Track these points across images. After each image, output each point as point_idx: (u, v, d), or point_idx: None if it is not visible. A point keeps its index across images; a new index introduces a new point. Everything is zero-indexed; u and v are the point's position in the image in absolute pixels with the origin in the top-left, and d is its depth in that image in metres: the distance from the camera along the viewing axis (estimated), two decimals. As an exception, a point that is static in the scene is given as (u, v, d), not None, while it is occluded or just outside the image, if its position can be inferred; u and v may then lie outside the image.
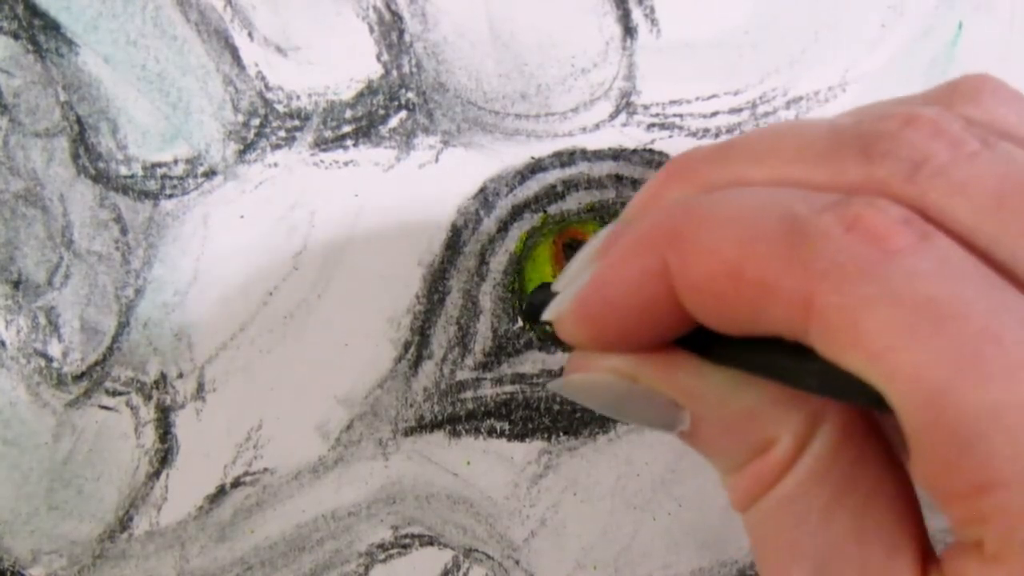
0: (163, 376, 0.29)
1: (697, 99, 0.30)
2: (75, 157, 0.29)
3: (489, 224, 0.30)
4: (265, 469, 0.30)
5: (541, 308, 0.22)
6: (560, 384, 0.22)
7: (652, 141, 0.30)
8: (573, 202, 0.30)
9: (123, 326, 0.29)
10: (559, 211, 0.30)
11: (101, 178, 0.29)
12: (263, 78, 0.29)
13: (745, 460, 0.20)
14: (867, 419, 0.19)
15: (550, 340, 0.29)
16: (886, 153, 0.18)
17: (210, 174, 0.29)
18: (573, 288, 0.20)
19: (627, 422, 0.23)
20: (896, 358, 0.16)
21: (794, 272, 0.17)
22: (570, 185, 0.30)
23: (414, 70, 0.30)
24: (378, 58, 0.30)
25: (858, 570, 0.18)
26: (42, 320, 0.29)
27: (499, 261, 0.30)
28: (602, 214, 0.30)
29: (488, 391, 0.30)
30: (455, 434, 0.30)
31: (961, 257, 0.16)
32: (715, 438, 0.20)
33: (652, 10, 0.30)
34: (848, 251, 0.16)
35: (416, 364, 0.30)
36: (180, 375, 0.29)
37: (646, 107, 0.30)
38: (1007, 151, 0.18)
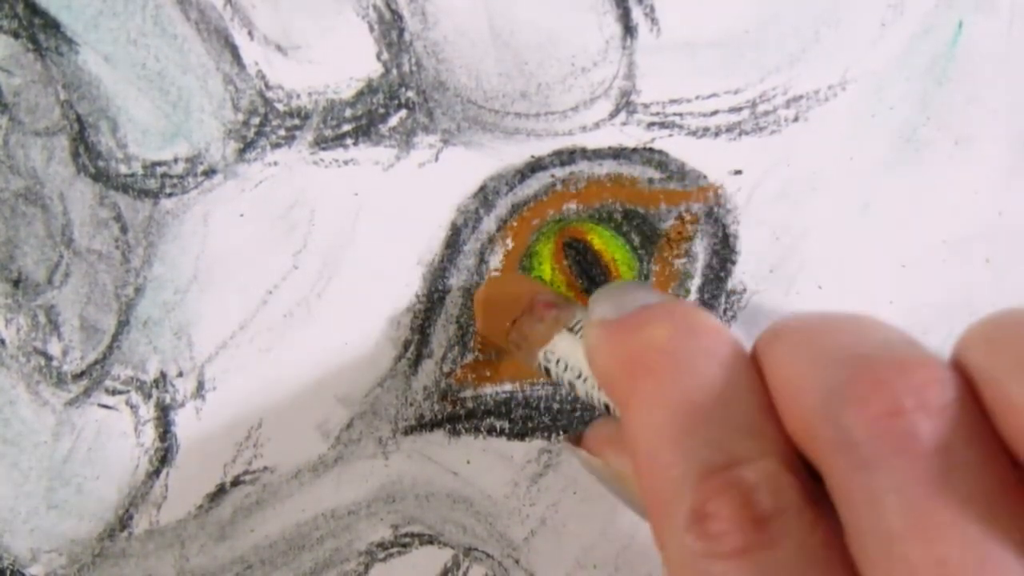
0: (163, 375, 0.29)
1: (697, 98, 0.30)
2: (75, 156, 0.29)
3: (489, 223, 0.30)
4: (265, 468, 0.30)
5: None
6: (573, 450, 0.23)
7: (652, 140, 0.30)
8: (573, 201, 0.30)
9: (123, 325, 0.29)
10: (559, 210, 0.30)
11: (101, 177, 0.29)
12: (263, 77, 0.29)
13: None
14: None
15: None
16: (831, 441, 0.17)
17: (210, 173, 0.29)
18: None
19: (622, 503, 0.23)
20: None
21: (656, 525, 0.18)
22: (570, 184, 0.30)
23: (414, 69, 0.30)
24: (378, 57, 0.30)
25: None
26: (42, 319, 0.29)
27: (499, 260, 0.30)
28: (602, 213, 0.30)
29: (488, 390, 0.30)
30: (455, 433, 0.30)
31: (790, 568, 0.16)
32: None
33: (652, 9, 0.30)
34: (685, 537, 0.17)
35: (416, 363, 0.30)
36: (180, 374, 0.29)
37: (646, 106, 0.30)
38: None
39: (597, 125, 0.30)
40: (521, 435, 0.31)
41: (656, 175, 0.30)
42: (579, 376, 0.24)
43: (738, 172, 0.31)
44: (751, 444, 0.17)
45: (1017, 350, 0.16)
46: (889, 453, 0.15)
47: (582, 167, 0.30)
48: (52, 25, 0.28)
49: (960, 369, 0.17)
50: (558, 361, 0.25)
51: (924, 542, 0.15)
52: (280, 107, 0.29)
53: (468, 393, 0.30)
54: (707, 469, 0.17)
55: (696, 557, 0.17)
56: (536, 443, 0.31)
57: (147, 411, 0.29)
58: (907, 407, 0.15)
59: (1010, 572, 0.14)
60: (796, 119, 0.31)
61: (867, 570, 0.16)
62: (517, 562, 0.30)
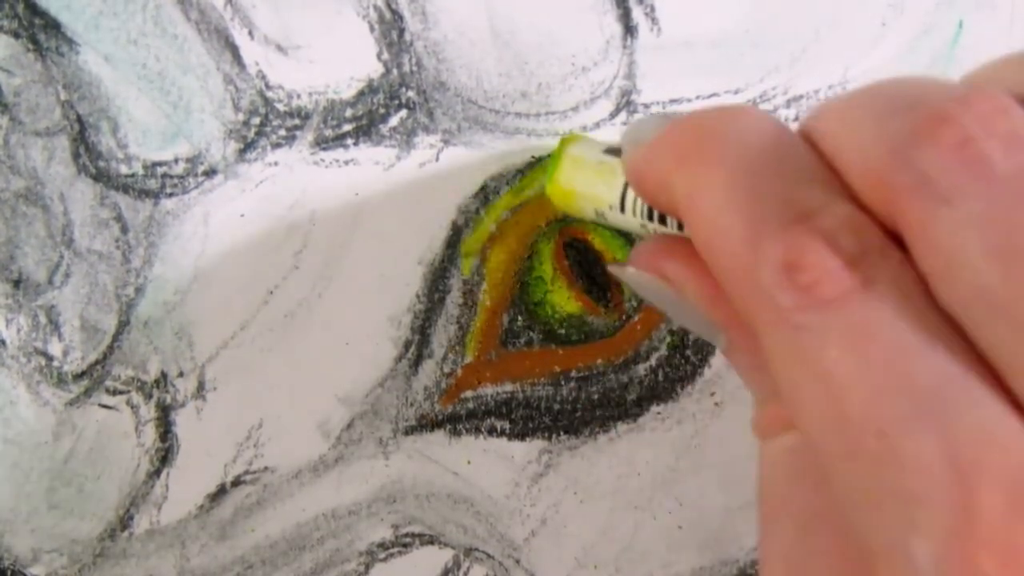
0: (163, 375, 0.29)
1: (697, 98, 0.30)
2: (75, 156, 0.29)
3: (490, 223, 0.30)
4: (266, 468, 0.30)
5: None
6: (620, 269, 0.22)
7: (652, 140, 0.30)
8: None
9: (123, 325, 0.29)
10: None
11: (101, 177, 0.29)
12: (263, 77, 0.29)
13: (770, 395, 0.20)
14: None
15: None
16: (897, 168, 0.16)
17: (210, 173, 0.29)
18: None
19: (679, 323, 0.23)
20: (798, 415, 0.16)
21: (736, 297, 0.17)
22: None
23: (414, 69, 0.30)
24: (378, 57, 0.30)
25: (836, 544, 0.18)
26: (42, 319, 0.29)
27: (499, 260, 0.30)
28: (602, 213, 0.30)
29: (488, 390, 0.30)
30: (455, 433, 0.30)
31: (895, 319, 0.15)
32: (745, 367, 0.20)
33: (652, 8, 0.30)
34: (775, 294, 0.16)
35: (417, 363, 0.30)
36: (181, 374, 0.29)
37: (646, 106, 0.30)
38: None
39: (598, 125, 0.30)
40: (522, 435, 0.31)
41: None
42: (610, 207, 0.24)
43: None
44: (820, 193, 0.17)
45: None
46: (968, 182, 0.15)
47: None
48: (52, 25, 0.28)
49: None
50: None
51: (1009, 268, 0.15)
52: (280, 107, 0.29)
53: (469, 393, 0.30)
54: (782, 222, 0.17)
55: (792, 314, 0.16)
56: (537, 443, 0.31)
57: (148, 411, 0.29)
58: (977, 136, 0.15)
59: None
60: (796, 119, 0.31)
61: (959, 307, 0.15)
62: (518, 562, 0.30)
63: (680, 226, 0.23)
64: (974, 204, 0.15)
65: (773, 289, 0.16)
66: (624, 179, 0.24)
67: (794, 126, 0.31)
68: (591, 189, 0.25)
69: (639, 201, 0.23)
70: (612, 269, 0.23)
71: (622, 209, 0.24)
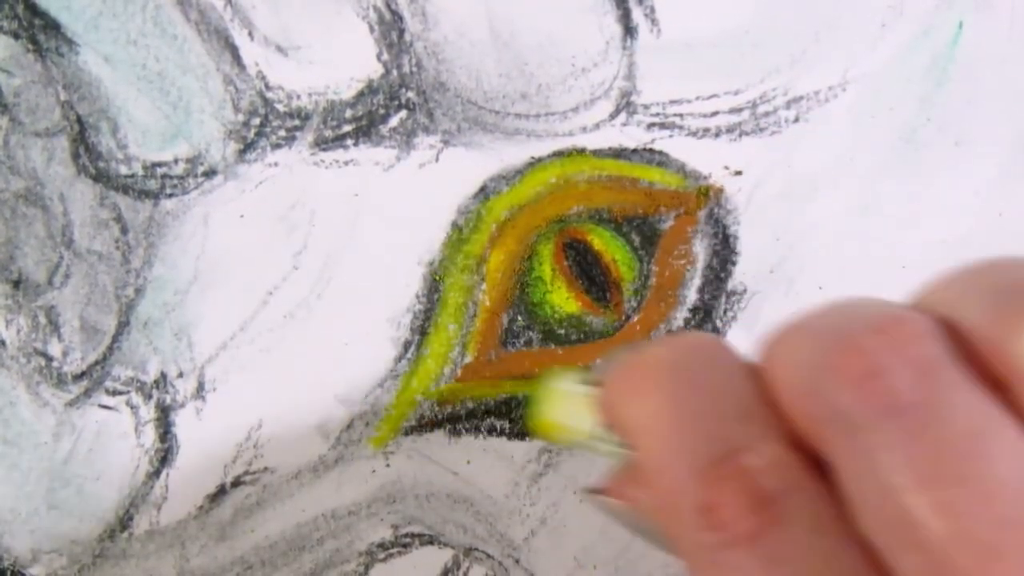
0: (163, 375, 0.29)
1: (697, 98, 0.30)
2: (75, 156, 0.29)
3: (489, 223, 0.30)
4: (265, 468, 0.30)
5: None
6: (593, 499, 0.23)
7: (652, 140, 0.30)
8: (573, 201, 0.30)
9: (123, 325, 0.29)
10: (559, 211, 0.30)
11: (101, 177, 0.29)
12: (263, 77, 0.29)
13: None
14: None
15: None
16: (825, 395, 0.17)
17: (210, 173, 0.29)
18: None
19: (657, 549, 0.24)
20: None
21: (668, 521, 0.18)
22: (570, 185, 0.30)
23: (414, 69, 0.30)
24: (378, 57, 0.30)
25: None
26: (42, 319, 0.29)
27: (499, 260, 0.30)
28: (602, 214, 0.30)
29: (488, 390, 0.30)
30: (455, 433, 0.30)
31: (806, 554, 0.16)
32: None
33: (652, 10, 0.30)
34: (695, 530, 0.17)
35: (416, 363, 0.30)
36: (180, 374, 0.29)
37: (646, 107, 0.30)
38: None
39: (597, 126, 0.30)
40: (521, 435, 0.31)
41: (656, 176, 0.30)
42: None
43: (738, 173, 0.31)
44: (750, 431, 0.18)
45: (990, 285, 0.17)
46: (875, 413, 0.16)
47: (582, 168, 0.30)
48: (52, 26, 0.28)
49: (933, 314, 0.17)
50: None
51: (926, 491, 0.15)
52: (280, 108, 0.29)
53: (468, 393, 0.30)
54: (708, 461, 0.17)
55: (710, 551, 0.17)
56: (536, 443, 0.31)
57: (147, 412, 0.29)
58: (884, 365, 0.16)
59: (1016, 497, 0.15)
60: (796, 120, 0.31)
61: (876, 535, 0.16)
62: (517, 562, 0.30)
63: None
64: (881, 436, 0.16)
65: (693, 526, 0.17)
66: (593, 417, 0.25)
67: (798, 128, 0.31)
68: (567, 426, 0.26)
69: (608, 438, 0.24)
70: (588, 498, 0.24)
71: (595, 445, 0.25)
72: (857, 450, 0.16)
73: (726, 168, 0.31)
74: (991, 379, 0.16)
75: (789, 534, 0.16)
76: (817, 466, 0.17)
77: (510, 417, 0.30)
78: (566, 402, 0.26)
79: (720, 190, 0.31)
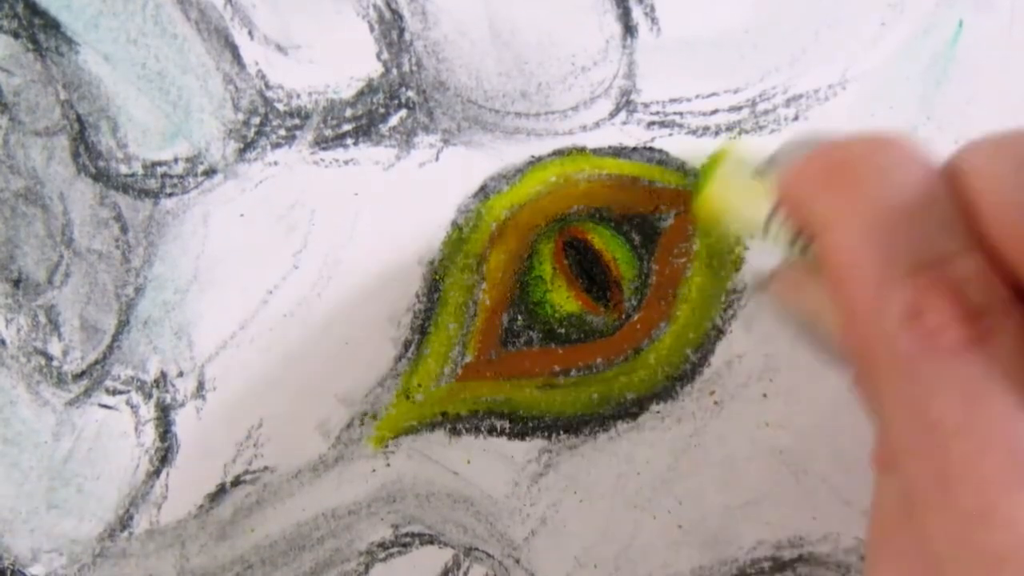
0: (163, 375, 0.29)
1: (697, 97, 0.30)
2: (75, 156, 0.29)
3: (489, 222, 0.30)
4: (265, 467, 0.30)
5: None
6: (764, 287, 0.22)
7: (652, 139, 0.30)
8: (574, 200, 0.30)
9: (123, 324, 0.29)
10: (560, 210, 0.30)
11: (101, 177, 0.29)
12: (263, 76, 0.29)
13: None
14: None
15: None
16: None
17: (210, 173, 0.29)
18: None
19: (812, 352, 0.23)
20: (902, 460, 0.16)
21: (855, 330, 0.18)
22: (570, 183, 0.30)
23: (414, 68, 0.30)
24: (378, 56, 0.30)
25: None
26: (42, 318, 0.29)
27: (499, 260, 0.30)
28: (602, 213, 0.30)
29: (488, 390, 0.30)
30: (455, 433, 0.30)
31: (1007, 379, 0.16)
32: (870, 400, 0.20)
33: (652, 8, 0.30)
34: (895, 337, 0.16)
35: (416, 363, 0.30)
36: (180, 374, 0.29)
37: (646, 105, 0.30)
38: None
39: (597, 124, 0.30)
40: (521, 435, 0.31)
41: (656, 174, 0.30)
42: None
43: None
44: (956, 243, 0.17)
45: None
46: (944, 362, 0.16)
47: (582, 166, 0.30)
48: (52, 25, 0.28)
49: None
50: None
51: None
52: (280, 107, 0.29)
53: (468, 393, 0.30)
54: (916, 266, 0.17)
55: (913, 356, 0.16)
56: (536, 443, 0.31)
57: (147, 411, 0.29)
58: (953, 318, 0.16)
59: None
60: (796, 118, 0.31)
61: None
62: (517, 562, 0.30)
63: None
64: None
65: (894, 332, 0.16)
66: (769, 205, 0.24)
67: (798, 127, 0.31)
68: (738, 212, 0.25)
69: (783, 229, 0.23)
70: (755, 282, 0.23)
71: (765, 234, 0.24)
72: None
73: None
74: None
75: (994, 354, 0.16)
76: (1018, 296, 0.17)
77: (510, 417, 0.30)
78: (741, 188, 0.26)
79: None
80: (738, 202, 0.25)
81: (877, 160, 0.19)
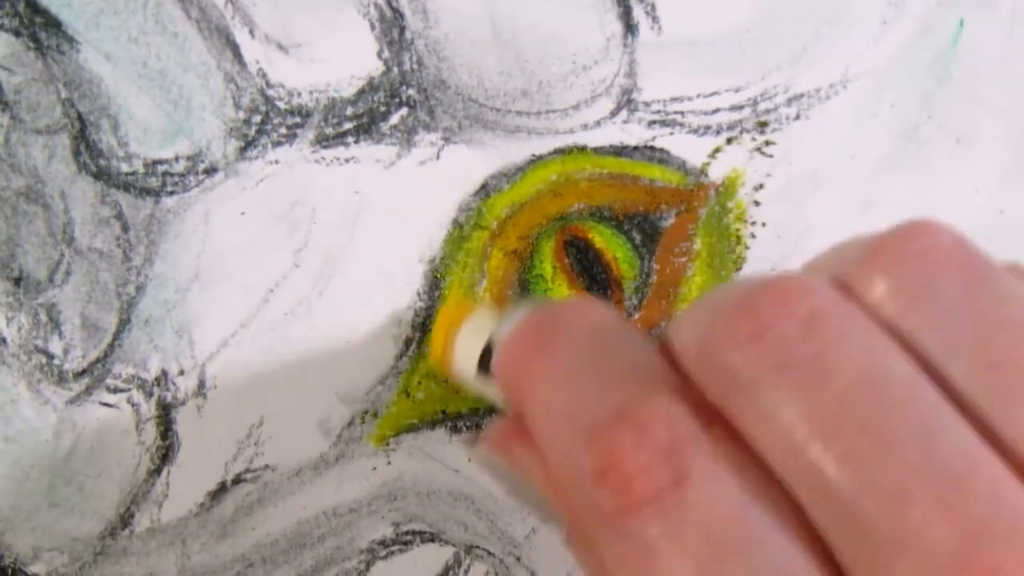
0: (164, 373, 0.29)
1: (698, 96, 0.30)
2: (76, 154, 0.29)
3: (490, 221, 0.30)
4: (266, 466, 0.30)
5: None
6: (471, 447, 0.22)
7: (653, 138, 0.30)
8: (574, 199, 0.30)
9: (124, 323, 0.29)
10: (560, 209, 0.30)
11: (102, 175, 0.29)
12: (264, 75, 0.29)
13: None
14: None
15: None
16: (710, 353, 0.16)
17: (211, 171, 0.29)
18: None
19: (524, 508, 0.22)
20: None
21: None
22: (571, 182, 0.30)
23: (415, 67, 0.30)
24: (379, 55, 0.30)
25: None
26: (43, 317, 0.29)
27: (499, 258, 0.30)
28: (603, 212, 0.30)
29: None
30: (456, 430, 0.30)
31: (714, 511, 0.15)
32: (584, 562, 0.20)
33: (653, 7, 0.30)
34: (596, 498, 0.16)
35: (417, 361, 0.30)
36: (181, 372, 0.29)
37: (647, 104, 0.30)
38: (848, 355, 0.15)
39: (598, 123, 0.30)
40: (522, 433, 0.31)
41: (657, 173, 0.30)
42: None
43: (769, 143, 0.31)
44: (639, 387, 0.17)
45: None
46: (767, 369, 0.15)
47: (583, 165, 0.30)
48: (53, 23, 0.28)
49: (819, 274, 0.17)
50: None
51: (827, 443, 0.15)
52: (281, 105, 0.29)
53: (469, 391, 0.30)
54: (597, 421, 0.16)
55: (615, 519, 0.16)
56: (537, 441, 0.31)
57: (148, 409, 0.29)
58: (770, 321, 0.15)
59: (908, 453, 0.14)
60: (798, 117, 0.31)
61: (792, 489, 0.15)
62: (518, 559, 0.30)
63: None
64: (776, 392, 0.15)
65: (593, 494, 0.16)
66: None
67: (799, 126, 0.31)
68: (465, 364, 0.25)
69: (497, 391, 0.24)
70: (464, 442, 0.23)
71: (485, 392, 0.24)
72: (756, 409, 0.15)
73: (754, 139, 0.31)
74: (881, 323, 0.16)
75: (694, 491, 0.15)
76: (727, 427, 0.17)
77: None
78: (467, 343, 0.26)
79: (721, 187, 0.31)
80: (463, 358, 0.25)
81: (562, 324, 0.19)
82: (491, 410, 0.30)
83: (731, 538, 0.15)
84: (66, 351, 0.29)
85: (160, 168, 0.29)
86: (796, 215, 0.31)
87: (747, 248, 0.31)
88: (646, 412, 0.16)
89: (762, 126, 0.31)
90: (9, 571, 0.29)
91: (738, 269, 0.31)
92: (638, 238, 0.30)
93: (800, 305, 0.16)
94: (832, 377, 0.15)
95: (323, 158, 0.30)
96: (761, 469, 0.16)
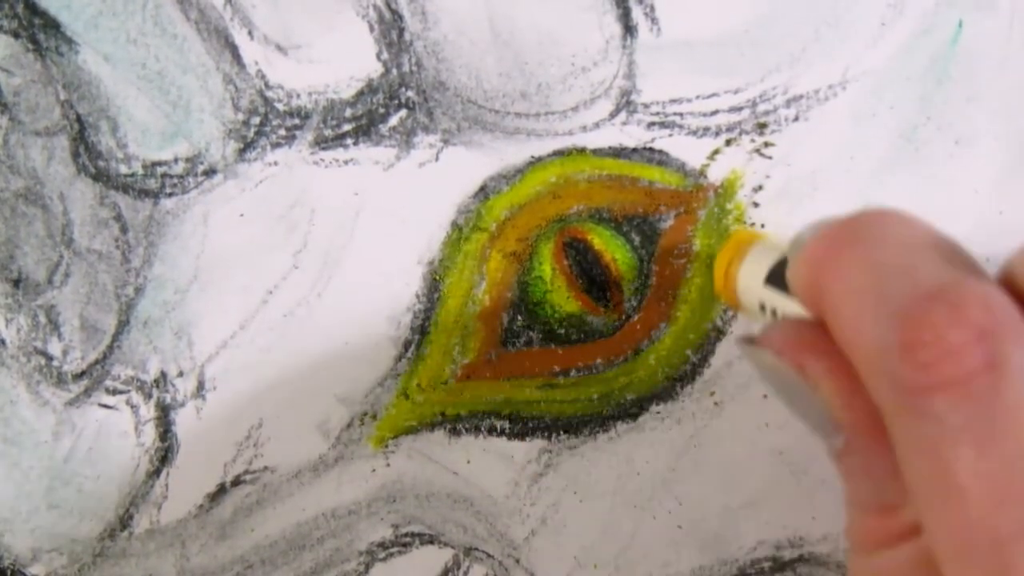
0: (163, 374, 0.29)
1: (697, 97, 0.30)
2: (75, 156, 0.29)
3: (489, 222, 0.30)
4: (265, 467, 0.30)
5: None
6: (752, 350, 0.21)
7: (652, 139, 0.30)
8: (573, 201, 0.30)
9: (123, 324, 0.29)
10: (560, 210, 0.30)
11: (101, 177, 0.29)
12: (263, 76, 0.29)
13: (876, 507, 0.19)
14: None
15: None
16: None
17: (210, 172, 0.29)
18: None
19: (792, 414, 0.22)
20: (921, 510, 0.16)
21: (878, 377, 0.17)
22: (570, 184, 0.30)
23: (414, 69, 0.30)
24: (378, 56, 0.30)
25: None
26: (42, 318, 0.29)
27: (499, 260, 0.30)
28: (602, 213, 0.30)
29: (488, 390, 0.30)
30: (455, 433, 0.30)
31: (1015, 409, 0.15)
32: (856, 472, 0.19)
33: (652, 8, 0.30)
34: (899, 374, 0.15)
35: (416, 363, 0.30)
36: (180, 373, 0.29)
37: (646, 105, 0.30)
38: None
39: (597, 125, 0.30)
40: (521, 435, 0.31)
41: (656, 175, 0.30)
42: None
43: (767, 145, 0.31)
44: (951, 271, 0.16)
45: None
46: (951, 394, 0.15)
47: (582, 167, 0.30)
48: (52, 25, 0.28)
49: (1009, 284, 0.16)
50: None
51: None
52: (280, 107, 0.29)
53: (469, 393, 0.30)
54: (910, 302, 0.16)
55: (917, 398, 0.15)
56: (536, 443, 0.31)
57: (147, 411, 0.29)
58: (955, 344, 0.15)
59: None
60: (796, 119, 0.31)
61: None
62: (517, 562, 0.30)
63: None
64: (958, 413, 0.15)
65: (899, 369, 0.15)
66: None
67: (798, 127, 0.31)
68: (758, 298, 0.26)
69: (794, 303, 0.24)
70: (743, 346, 0.23)
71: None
72: (930, 436, 0.15)
73: (753, 140, 0.31)
74: None
75: (1007, 382, 0.15)
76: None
77: (510, 417, 0.30)
78: (757, 259, 0.26)
79: (719, 189, 0.31)
80: (756, 280, 0.25)
81: (870, 230, 0.18)
82: (489, 414, 0.30)
83: None
84: (65, 352, 0.29)
85: (159, 170, 0.29)
86: (795, 216, 0.31)
87: (746, 249, 0.31)
88: (966, 292, 0.16)
89: (761, 127, 0.31)
90: (8, 572, 0.29)
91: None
92: (637, 239, 0.30)
93: (980, 321, 0.15)
94: (1013, 391, 0.15)
95: (322, 160, 0.30)
96: None
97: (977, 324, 0.15)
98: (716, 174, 0.31)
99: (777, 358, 0.20)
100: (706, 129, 0.30)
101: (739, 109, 0.31)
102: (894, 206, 0.19)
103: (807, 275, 0.20)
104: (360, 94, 0.30)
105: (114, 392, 0.29)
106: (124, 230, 0.29)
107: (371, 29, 0.29)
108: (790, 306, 0.24)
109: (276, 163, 0.29)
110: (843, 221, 0.19)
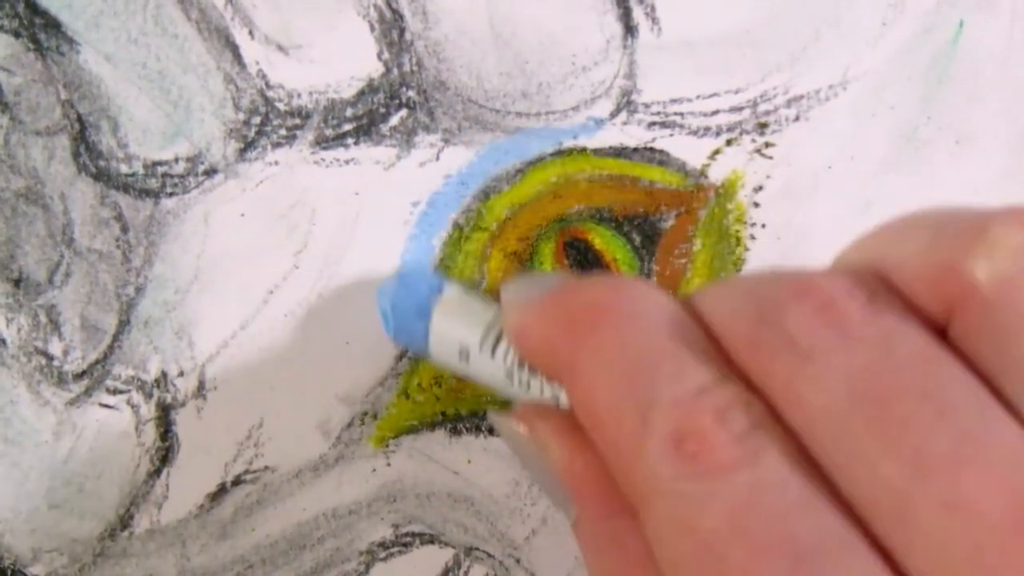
0: (164, 374, 0.29)
1: (698, 97, 0.30)
2: (76, 155, 0.29)
3: (490, 222, 0.30)
4: (266, 467, 0.30)
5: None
6: (499, 419, 0.22)
7: (653, 139, 0.30)
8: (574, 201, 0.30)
9: (124, 324, 0.29)
10: (560, 210, 0.30)
11: (102, 176, 0.29)
12: (264, 76, 0.29)
13: None
14: None
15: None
16: (761, 341, 0.17)
17: (211, 172, 0.29)
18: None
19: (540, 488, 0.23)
20: None
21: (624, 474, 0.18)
22: (571, 184, 0.30)
23: (415, 68, 0.30)
24: (379, 56, 0.30)
25: None
26: (43, 318, 0.29)
27: (499, 260, 0.30)
28: (602, 213, 0.30)
29: (489, 389, 0.30)
30: (456, 432, 0.30)
31: (779, 483, 0.16)
32: (591, 547, 0.20)
33: (653, 8, 0.30)
34: (660, 464, 0.17)
35: (417, 362, 0.30)
36: (181, 373, 0.29)
37: (647, 105, 0.30)
38: (903, 333, 0.16)
39: (598, 124, 0.30)
40: (522, 434, 0.31)
41: (657, 175, 0.30)
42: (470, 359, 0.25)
43: (768, 145, 0.31)
44: (713, 373, 0.17)
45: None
46: (827, 340, 0.16)
47: (583, 167, 0.30)
48: (53, 24, 0.28)
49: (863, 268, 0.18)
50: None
51: (869, 421, 0.15)
52: (281, 106, 0.29)
53: (469, 392, 0.30)
54: (675, 398, 0.17)
55: (675, 483, 0.16)
56: (537, 442, 0.31)
57: (148, 410, 0.29)
58: (838, 300, 0.17)
59: (964, 420, 0.15)
60: (797, 118, 0.31)
61: (823, 460, 0.16)
62: (518, 561, 0.30)
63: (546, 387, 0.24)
64: (834, 359, 0.16)
65: (659, 460, 0.17)
66: (498, 326, 0.25)
67: (799, 127, 0.31)
68: (460, 329, 0.26)
69: (510, 350, 0.24)
70: (492, 417, 0.24)
71: (492, 354, 0.25)
72: (807, 377, 0.16)
73: (754, 140, 0.31)
74: (928, 324, 0.17)
75: (762, 468, 0.16)
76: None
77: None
78: (464, 310, 0.26)
79: (720, 189, 0.31)
80: (462, 321, 0.26)
81: (624, 300, 0.19)
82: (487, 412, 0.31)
83: (789, 508, 0.16)
84: (66, 352, 0.29)
85: (160, 169, 0.29)
86: (796, 216, 0.31)
87: (747, 250, 0.31)
88: (726, 394, 0.17)
89: (762, 127, 0.31)
90: (8, 572, 0.29)
91: (738, 270, 0.31)
92: (638, 239, 0.30)
93: (858, 293, 0.17)
94: (895, 351, 0.16)
95: (323, 159, 0.30)
96: (806, 457, 0.17)
97: (739, 425, 0.17)
98: (717, 174, 0.31)
99: (519, 427, 0.21)
100: (707, 129, 0.30)
101: (740, 109, 0.31)
102: (638, 279, 0.20)
103: (543, 348, 0.20)
104: (361, 94, 0.30)
105: (115, 392, 0.29)
106: (125, 230, 0.29)
107: (372, 29, 0.29)
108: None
109: (277, 163, 0.29)
110: (582, 292, 0.20)
